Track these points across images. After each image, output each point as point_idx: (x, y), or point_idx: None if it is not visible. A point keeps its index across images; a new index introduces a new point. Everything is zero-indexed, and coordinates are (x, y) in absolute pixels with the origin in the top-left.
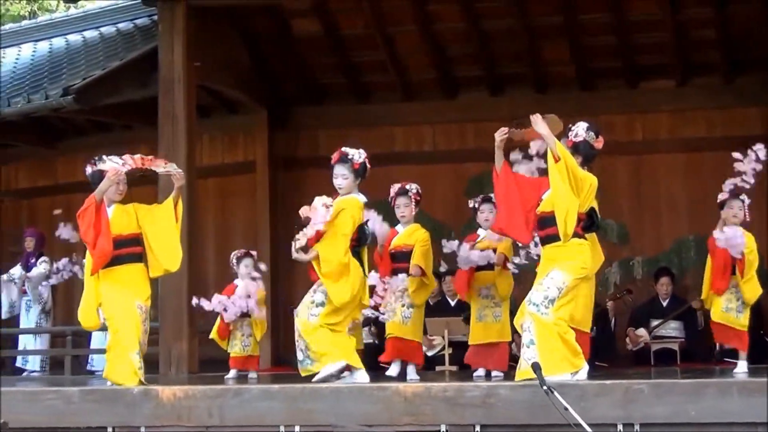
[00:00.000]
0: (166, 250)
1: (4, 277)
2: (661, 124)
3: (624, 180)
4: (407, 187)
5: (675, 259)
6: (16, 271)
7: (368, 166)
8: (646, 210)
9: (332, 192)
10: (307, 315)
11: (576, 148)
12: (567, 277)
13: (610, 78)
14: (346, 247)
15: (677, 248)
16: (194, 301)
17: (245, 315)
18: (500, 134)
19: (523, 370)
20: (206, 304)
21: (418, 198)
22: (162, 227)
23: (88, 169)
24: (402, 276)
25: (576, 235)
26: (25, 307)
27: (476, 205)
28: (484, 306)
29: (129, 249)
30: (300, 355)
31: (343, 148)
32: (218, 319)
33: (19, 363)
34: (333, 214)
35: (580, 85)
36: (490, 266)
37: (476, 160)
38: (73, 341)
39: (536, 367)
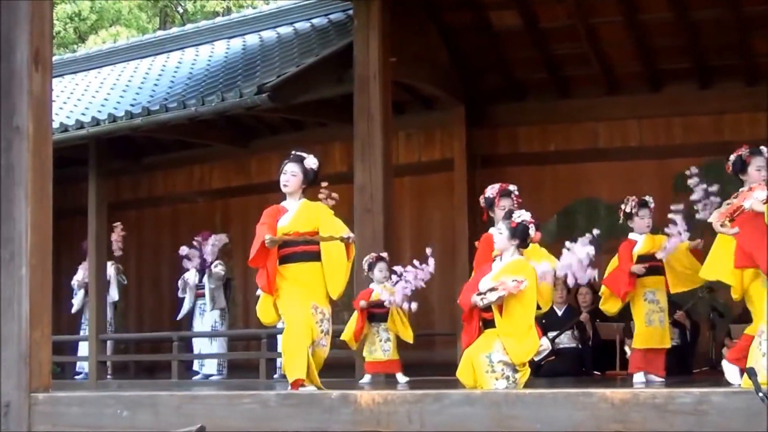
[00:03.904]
0: (333, 277)
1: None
2: None
3: None
4: (510, 188)
5: None
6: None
7: None
8: None
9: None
10: None
11: None
12: None
13: None
14: None
15: None
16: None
17: (382, 320)
18: None
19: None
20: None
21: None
22: (335, 255)
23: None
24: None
25: None
26: (199, 311)
27: (632, 210)
28: (652, 311)
29: (305, 247)
30: None
31: None
32: (353, 321)
33: (195, 367)
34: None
35: None
36: (656, 270)
37: (683, 155)
38: (268, 344)
39: (751, 372)
